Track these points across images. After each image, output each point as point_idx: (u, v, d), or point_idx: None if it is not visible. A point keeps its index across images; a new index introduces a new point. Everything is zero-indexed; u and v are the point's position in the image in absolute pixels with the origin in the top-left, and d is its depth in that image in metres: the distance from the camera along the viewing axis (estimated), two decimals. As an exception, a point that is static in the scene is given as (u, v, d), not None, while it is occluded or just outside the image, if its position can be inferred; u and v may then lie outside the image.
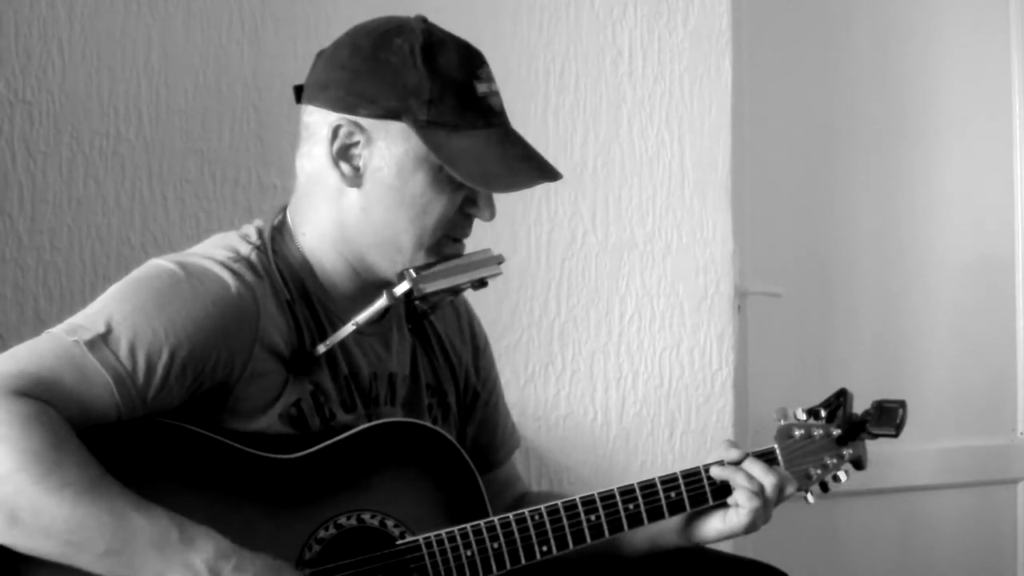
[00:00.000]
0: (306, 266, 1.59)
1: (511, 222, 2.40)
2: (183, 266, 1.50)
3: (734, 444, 1.71)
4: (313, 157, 1.57)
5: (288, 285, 1.56)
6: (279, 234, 1.60)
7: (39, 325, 2.02)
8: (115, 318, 1.42)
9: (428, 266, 1.55)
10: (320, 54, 1.60)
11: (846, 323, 3.00)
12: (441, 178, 1.53)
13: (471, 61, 1.55)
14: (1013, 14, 3.17)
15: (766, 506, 1.66)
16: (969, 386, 3.11)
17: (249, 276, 1.51)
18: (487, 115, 1.55)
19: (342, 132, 1.53)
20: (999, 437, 3.17)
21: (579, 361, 2.48)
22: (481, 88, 1.55)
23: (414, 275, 1.54)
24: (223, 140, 2.21)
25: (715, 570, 1.76)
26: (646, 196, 2.53)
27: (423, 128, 1.51)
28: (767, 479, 1.66)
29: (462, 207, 1.56)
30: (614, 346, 2.50)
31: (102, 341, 1.40)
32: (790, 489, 1.69)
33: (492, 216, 1.58)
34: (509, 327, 2.41)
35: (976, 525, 3.13)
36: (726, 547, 1.86)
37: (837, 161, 3.00)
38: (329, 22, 2.24)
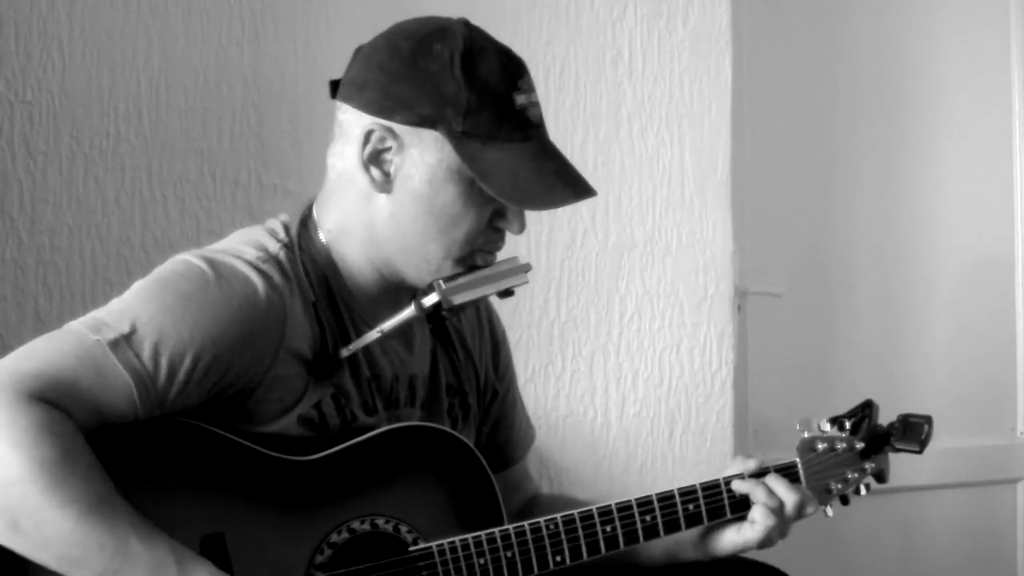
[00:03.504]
0: (330, 264, 1.57)
1: (511, 222, 2.39)
2: (212, 265, 1.47)
3: (749, 456, 1.70)
4: (345, 157, 1.55)
5: (313, 285, 1.54)
6: (305, 231, 1.58)
7: (39, 325, 2.02)
8: (140, 318, 1.40)
9: (456, 276, 1.53)
10: (358, 51, 1.57)
11: (846, 323, 3.00)
12: (472, 191, 1.51)
13: (512, 71, 1.53)
14: (1013, 14, 3.17)
15: (784, 523, 1.65)
16: (969, 386, 3.11)
17: (277, 277, 1.50)
18: (524, 128, 1.52)
19: (374, 137, 1.51)
20: (999, 437, 3.17)
21: (579, 361, 2.48)
22: (520, 100, 1.52)
23: (443, 286, 1.52)
24: (223, 140, 2.21)
25: (715, 570, 1.75)
26: (646, 196, 2.52)
27: (457, 139, 1.49)
28: (789, 497, 1.64)
29: (491, 220, 1.54)
30: (614, 346, 2.50)
31: (125, 342, 1.38)
32: (810, 509, 1.67)
33: (521, 230, 1.56)
34: (509, 327, 2.39)
35: (976, 525, 3.13)
36: (726, 547, 1.85)
37: (837, 161, 3.00)
38: (329, 22, 2.24)
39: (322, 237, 1.58)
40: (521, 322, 2.42)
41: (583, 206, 2.47)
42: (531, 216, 2.45)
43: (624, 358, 2.51)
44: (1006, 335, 3.19)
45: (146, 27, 2.15)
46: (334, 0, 2.25)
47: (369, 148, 1.52)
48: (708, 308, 2.56)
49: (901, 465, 2.90)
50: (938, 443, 3.01)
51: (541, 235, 2.44)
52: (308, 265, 1.55)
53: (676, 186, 2.54)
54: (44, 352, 1.38)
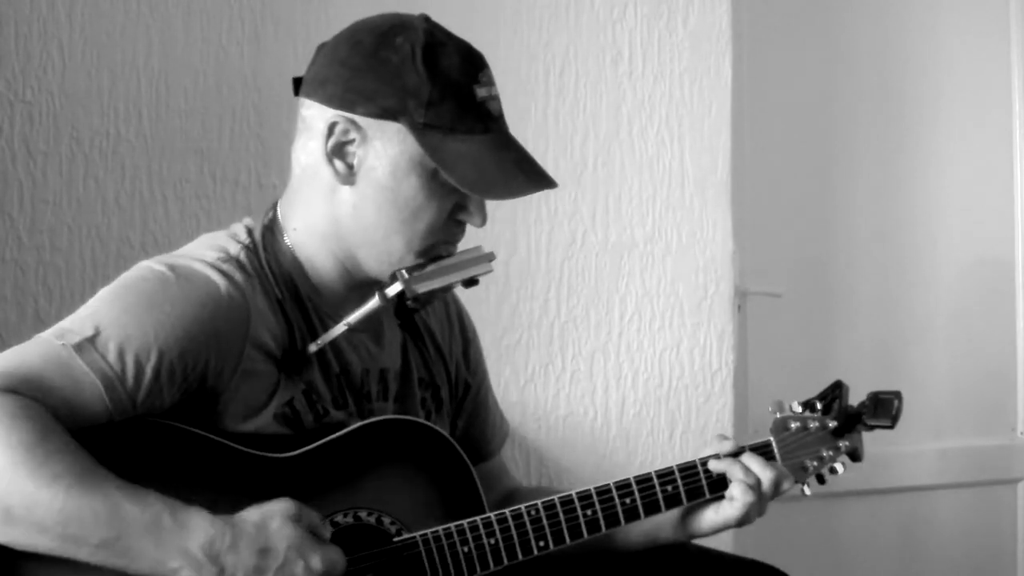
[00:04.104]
0: (296, 263, 1.58)
1: (511, 222, 2.40)
2: (172, 267, 1.49)
3: (726, 437, 1.72)
4: (308, 151, 1.56)
5: (279, 284, 1.56)
6: (270, 232, 1.60)
7: (39, 325, 2.01)
8: (103, 321, 1.42)
9: (420, 266, 1.55)
10: (321, 47, 1.59)
11: (846, 323, 3.00)
12: (435, 183, 1.52)
13: (472, 64, 1.54)
14: (1013, 14, 3.17)
15: (761, 500, 1.67)
16: (969, 386, 3.11)
17: (239, 276, 1.51)
18: (485, 120, 1.54)
19: (338, 129, 1.52)
20: (999, 437, 3.17)
21: (579, 361, 2.48)
22: (481, 92, 1.53)
23: (406, 276, 1.54)
24: (223, 140, 2.21)
25: (715, 570, 1.76)
26: (646, 196, 2.53)
27: (420, 130, 1.50)
28: (764, 473, 1.66)
29: (453, 212, 1.56)
30: (614, 346, 2.50)
31: (90, 344, 1.40)
32: (786, 484, 1.69)
33: (483, 223, 1.57)
34: (509, 327, 2.41)
35: (976, 525, 3.13)
36: (726, 547, 1.86)
37: (837, 161, 3.00)
38: (329, 22, 2.24)
39: (287, 237, 1.59)
40: (521, 322, 2.43)
41: (583, 206, 2.47)
42: (531, 216, 2.46)
43: (624, 358, 2.51)
44: (1006, 335, 3.19)
45: (146, 27, 2.15)
46: (334, 0, 2.25)
47: (333, 140, 1.53)
48: (708, 308, 2.56)
49: (901, 465, 2.91)
50: (938, 443, 3.04)
51: (541, 235, 2.45)
52: (273, 265, 1.57)
53: (676, 186, 2.54)
54: (11, 358, 1.40)
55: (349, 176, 1.54)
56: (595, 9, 2.49)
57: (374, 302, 1.55)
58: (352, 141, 1.53)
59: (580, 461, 2.47)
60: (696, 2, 2.55)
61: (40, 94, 2.10)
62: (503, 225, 2.37)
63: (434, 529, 1.54)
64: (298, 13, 2.25)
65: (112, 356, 1.40)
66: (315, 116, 1.55)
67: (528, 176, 1.56)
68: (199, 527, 1.37)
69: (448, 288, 1.59)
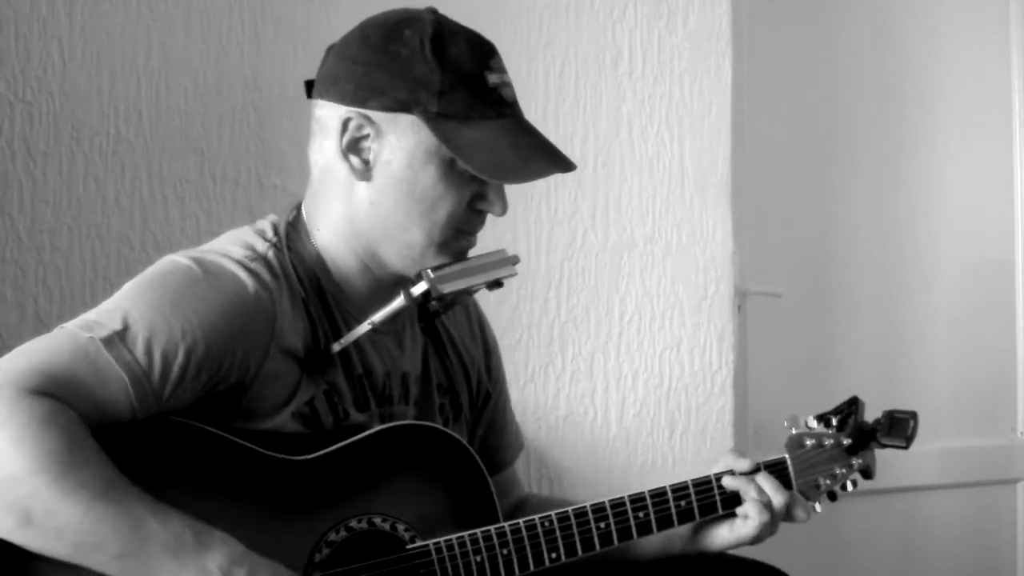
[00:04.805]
0: (320, 263, 1.58)
1: (511, 222, 2.40)
2: (200, 263, 1.48)
3: (741, 454, 1.71)
4: (324, 151, 1.56)
5: (303, 283, 1.55)
6: (294, 230, 1.59)
7: (39, 325, 2.02)
8: (132, 315, 1.41)
9: (444, 266, 1.54)
10: (330, 48, 1.58)
11: (846, 323, 3.00)
12: (452, 172, 1.52)
13: (482, 52, 1.54)
14: (1013, 14, 3.17)
15: (774, 520, 1.67)
16: (969, 386, 3.11)
17: (266, 275, 1.50)
18: (499, 105, 1.53)
19: (352, 125, 1.52)
20: (999, 437, 3.17)
21: (579, 361, 2.48)
22: (492, 79, 1.53)
23: (432, 275, 1.53)
24: (223, 140, 2.21)
25: (715, 570, 1.75)
26: (646, 196, 2.52)
27: (433, 120, 1.50)
28: (777, 497, 1.66)
29: (472, 202, 1.55)
30: (614, 346, 2.50)
31: (118, 339, 1.39)
32: (800, 513, 1.69)
33: (504, 211, 1.56)
34: (509, 327, 2.41)
35: (976, 525, 3.13)
36: (726, 547, 1.85)
37: (837, 161, 3.00)
38: (329, 22, 2.24)
39: (311, 237, 1.59)
40: (521, 322, 2.42)
41: (583, 206, 2.47)
42: (531, 216, 2.46)
43: (624, 358, 2.51)
44: (1006, 335, 3.19)
45: (146, 27, 2.15)
46: (334, 0, 2.25)
47: (347, 137, 1.53)
48: (708, 308, 2.56)
49: (901, 465, 2.91)
50: (938, 443, 3.04)
51: (541, 235, 2.44)
52: (297, 264, 1.56)
53: (676, 186, 2.54)
54: (38, 351, 1.39)
55: (365, 172, 1.53)
56: (595, 9, 2.49)
57: (399, 301, 1.54)
58: (366, 136, 1.52)
59: (580, 461, 2.47)
60: (696, 2, 2.55)
61: (40, 94, 2.10)
62: (504, 225, 2.37)
63: (447, 538, 1.53)
64: (298, 13, 2.25)
65: (140, 352, 1.39)
66: (328, 115, 1.54)
67: (545, 158, 1.56)
68: (220, 549, 1.36)
69: (472, 290, 1.58)
